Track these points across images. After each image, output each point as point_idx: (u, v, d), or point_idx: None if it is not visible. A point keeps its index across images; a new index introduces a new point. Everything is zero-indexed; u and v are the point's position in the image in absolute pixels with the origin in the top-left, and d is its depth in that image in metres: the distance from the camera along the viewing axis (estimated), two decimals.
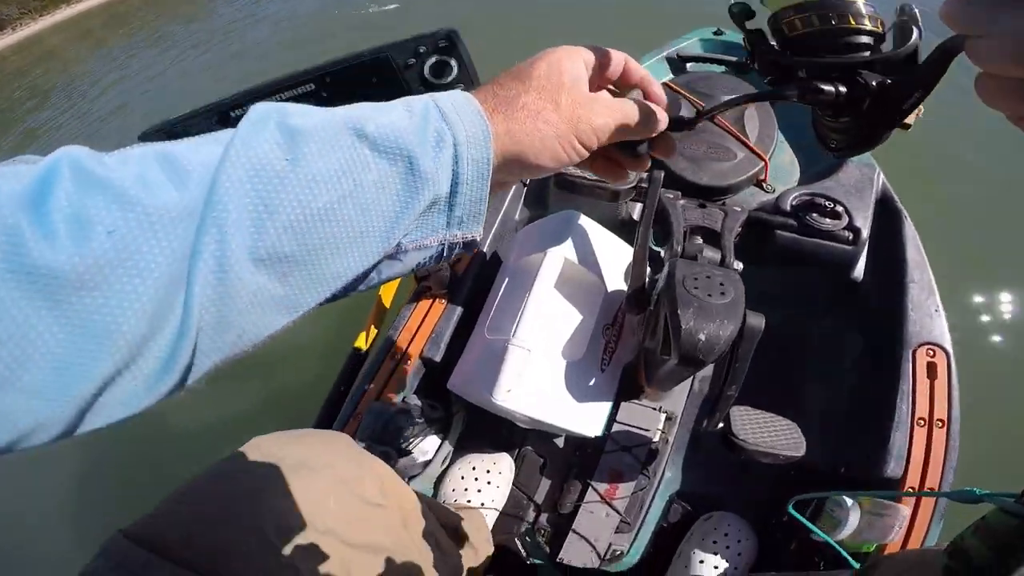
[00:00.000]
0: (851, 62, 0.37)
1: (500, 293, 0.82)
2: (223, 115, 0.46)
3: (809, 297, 0.97)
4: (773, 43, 0.40)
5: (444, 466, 0.92)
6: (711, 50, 1.30)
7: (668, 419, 0.86)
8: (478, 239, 0.30)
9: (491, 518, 0.88)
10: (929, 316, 0.81)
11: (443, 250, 0.29)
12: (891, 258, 0.88)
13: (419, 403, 0.86)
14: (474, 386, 0.76)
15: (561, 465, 0.92)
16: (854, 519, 0.68)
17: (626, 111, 0.34)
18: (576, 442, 0.92)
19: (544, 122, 0.30)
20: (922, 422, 0.74)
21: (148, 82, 4.57)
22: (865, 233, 0.79)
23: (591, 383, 0.76)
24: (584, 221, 0.81)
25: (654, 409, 0.85)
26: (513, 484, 0.92)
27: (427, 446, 0.87)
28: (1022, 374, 1.25)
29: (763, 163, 0.88)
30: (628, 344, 0.81)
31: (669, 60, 1.28)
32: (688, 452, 0.94)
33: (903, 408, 0.75)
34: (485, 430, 0.96)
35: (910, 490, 0.70)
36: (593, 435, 0.77)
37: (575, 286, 0.78)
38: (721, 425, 0.66)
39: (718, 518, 0.81)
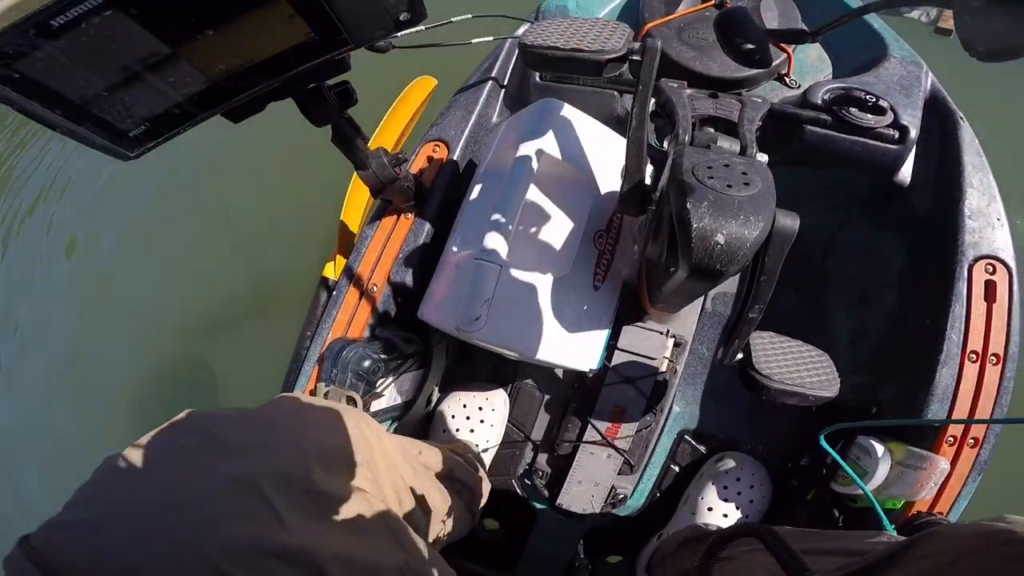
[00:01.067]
0: None
1: (470, 201, 0.69)
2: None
3: (844, 203, 0.82)
4: None
5: (430, 407, 0.84)
6: None
7: (677, 345, 0.74)
8: None
9: (487, 457, 0.81)
10: (991, 226, 0.67)
11: None
12: (945, 161, 0.72)
13: (391, 336, 0.75)
14: (443, 315, 0.65)
15: (559, 399, 0.83)
16: (883, 470, 0.59)
17: None
18: (575, 372, 0.83)
19: None
20: (974, 356, 0.63)
21: None
22: (914, 133, 0.63)
23: (583, 305, 0.65)
24: (568, 110, 0.66)
25: (660, 333, 0.72)
26: (509, 421, 0.85)
27: (405, 385, 0.78)
28: None
29: (786, 55, 0.72)
30: (627, 254, 0.69)
31: None
32: (699, 384, 0.84)
33: (953, 337, 0.63)
34: (473, 363, 0.87)
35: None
36: (588, 369, 0.67)
37: (557, 186, 0.64)
38: (740, 356, 0.55)
39: (730, 459, 0.73)
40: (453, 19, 0.65)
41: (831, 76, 0.81)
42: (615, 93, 0.78)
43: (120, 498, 0.33)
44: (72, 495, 0.34)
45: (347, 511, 0.39)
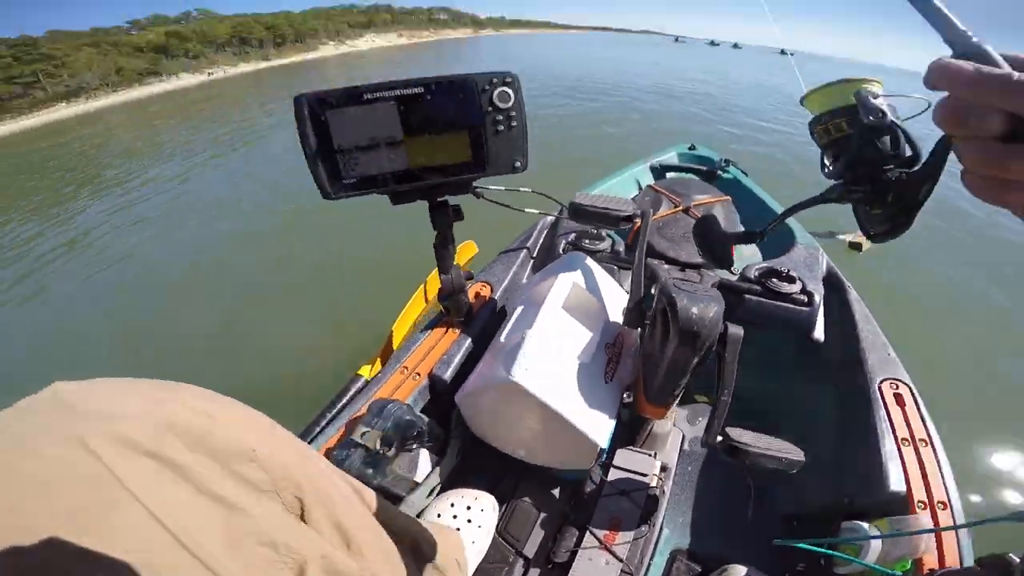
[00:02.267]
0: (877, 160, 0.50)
1: (515, 316, 0.90)
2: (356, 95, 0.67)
3: (781, 361, 1.07)
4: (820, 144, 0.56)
5: (429, 499, 0.86)
6: (686, 161, 1.71)
7: (663, 469, 0.87)
8: None
9: (472, 561, 0.79)
10: (884, 358, 0.92)
11: None
12: (843, 319, 1.01)
13: (423, 417, 0.85)
14: (489, 377, 0.79)
15: (555, 514, 0.89)
16: (876, 544, 0.67)
17: None
18: (571, 490, 0.91)
19: None
20: (906, 442, 0.78)
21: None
22: (818, 297, 0.92)
23: (597, 388, 0.80)
24: (589, 262, 0.95)
25: (649, 455, 0.86)
26: (502, 536, 0.87)
27: (421, 461, 0.83)
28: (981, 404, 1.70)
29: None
30: (627, 365, 0.87)
31: (652, 168, 1.64)
32: (687, 508, 0.93)
33: (884, 432, 0.80)
34: (476, 470, 0.93)
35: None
36: (598, 446, 0.77)
37: (581, 307, 0.88)
38: (720, 439, 0.70)
39: (732, 572, 0.76)
40: (521, 188, 0.98)
41: (761, 260, 1.08)
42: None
43: None
44: None
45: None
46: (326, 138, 0.68)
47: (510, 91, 0.73)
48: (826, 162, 0.56)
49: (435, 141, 0.72)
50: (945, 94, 0.25)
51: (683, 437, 1.00)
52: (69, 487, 0.33)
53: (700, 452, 1.02)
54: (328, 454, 0.76)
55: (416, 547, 0.63)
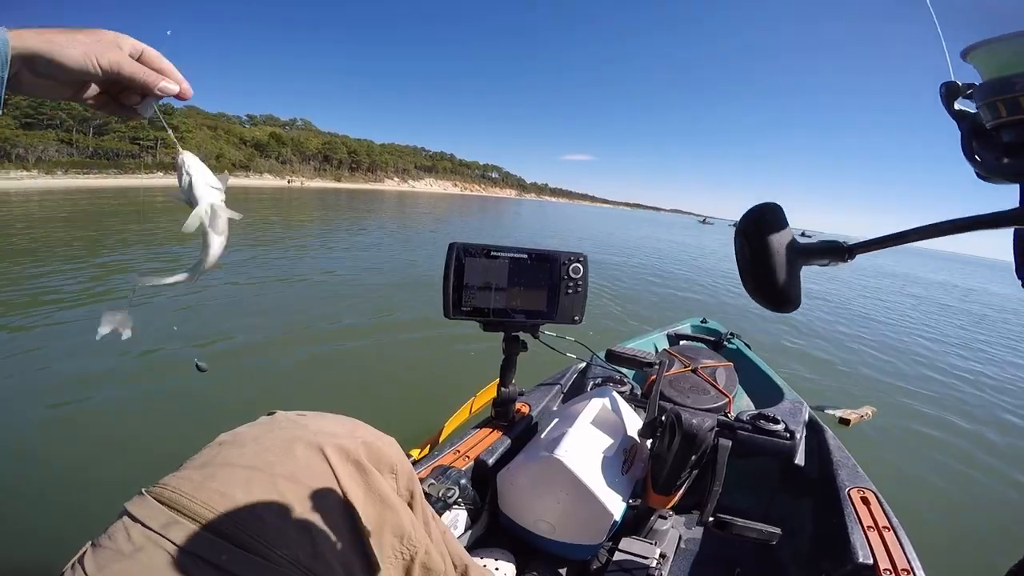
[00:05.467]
0: None
1: (552, 424, 1.17)
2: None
3: (768, 481, 1.30)
4: (987, 123, 0.33)
5: None
6: (697, 331, 2.09)
7: (662, 556, 1.06)
8: None
9: None
10: (853, 473, 1.14)
11: None
12: (820, 449, 1.26)
13: (469, 486, 1.09)
14: (533, 456, 1.04)
15: None
16: None
17: (144, 68, 0.43)
18: (578, 568, 1.10)
19: (77, 36, 0.39)
20: (872, 528, 0.96)
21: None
22: (799, 435, 1.16)
23: (617, 476, 1.04)
24: (615, 394, 1.25)
25: (650, 543, 1.06)
26: None
27: (460, 519, 1.04)
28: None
29: (727, 399, 1.36)
30: (639, 467, 1.12)
31: (668, 336, 1.99)
32: None
33: (853, 523, 0.98)
34: (497, 544, 1.12)
35: None
36: (612, 517, 0.98)
37: (608, 421, 1.17)
38: (712, 518, 0.93)
39: None
40: (568, 336, 1.32)
41: (754, 409, 1.35)
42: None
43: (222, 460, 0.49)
44: (186, 462, 0.50)
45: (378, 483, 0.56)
46: (460, 275, 1.05)
47: (581, 266, 1.12)
48: (977, 157, 0.35)
49: (525, 292, 1.09)
50: None
51: (680, 537, 1.19)
52: (308, 478, 0.50)
53: (696, 551, 1.19)
54: None
55: (466, 574, 0.75)
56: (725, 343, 2.04)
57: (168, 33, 0.86)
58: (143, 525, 0.42)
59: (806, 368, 4.40)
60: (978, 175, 0.35)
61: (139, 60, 0.43)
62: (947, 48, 0.35)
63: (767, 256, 0.39)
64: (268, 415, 0.58)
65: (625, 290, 7.35)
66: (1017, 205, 0.32)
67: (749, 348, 2.02)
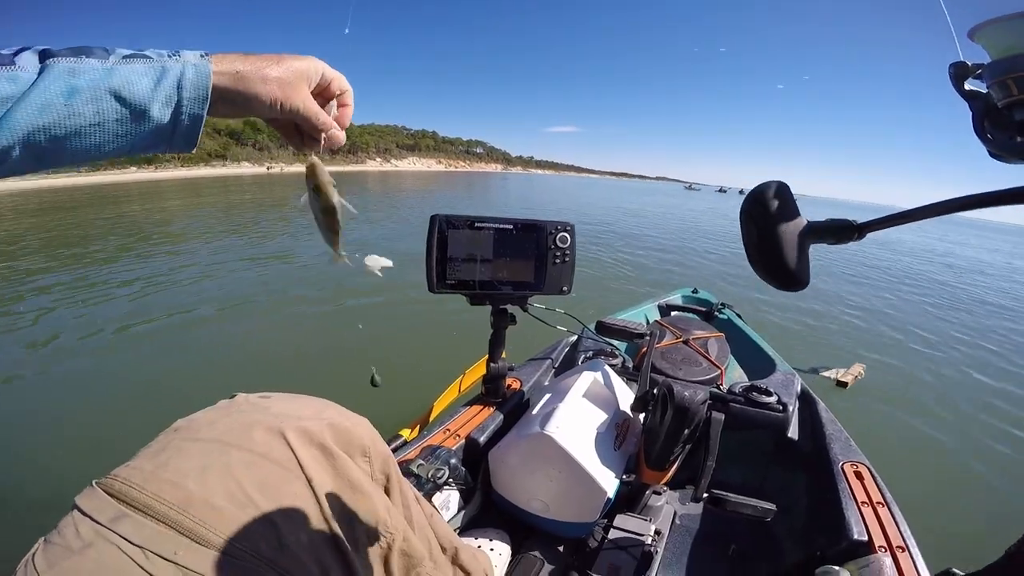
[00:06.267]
0: None
1: (543, 399, 1.14)
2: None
3: (762, 455, 1.29)
4: (999, 102, 0.34)
5: None
6: (688, 302, 2.08)
7: (657, 532, 1.04)
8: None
9: None
10: (846, 446, 1.13)
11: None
12: (813, 422, 1.24)
13: (460, 466, 1.06)
14: (524, 434, 1.02)
15: (559, 565, 1.05)
16: None
17: (319, 113, 0.44)
18: (574, 545, 1.08)
19: (269, 73, 0.40)
20: (865, 504, 0.95)
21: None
22: (791, 407, 1.15)
23: (609, 452, 1.02)
24: (607, 367, 1.22)
25: (645, 520, 1.05)
26: None
27: (452, 499, 1.02)
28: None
29: (719, 371, 1.34)
30: (631, 441, 1.10)
31: (659, 307, 1.97)
32: (679, 572, 1.08)
33: (847, 499, 0.97)
34: (492, 524, 1.10)
35: None
36: (606, 494, 0.96)
37: (599, 395, 1.14)
38: (706, 494, 0.92)
39: None
40: (557, 309, 1.28)
41: (746, 380, 1.32)
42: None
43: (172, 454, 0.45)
44: (140, 450, 0.47)
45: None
46: (443, 248, 1.00)
47: (568, 235, 1.07)
48: (990, 136, 0.36)
49: (512, 263, 1.04)
50: None
51: (675, 512, 1.18)
52: (268, 465, 0.47)
53: (691, 527, 1.18)
54: None
55: (456, 557, 0.75)
56: (716, 313, 2.03)
57: (347, 32, 0.85)
58: (92, 519, 0.41)
59: (796, 331, 4.45)
60: (991, 154, 0.35)
61: (324, 90, 0.45)
62: (954, 28, 0.35)
63: (775, 238, 0.38)
64: (229, 398, 0.55)
65: (615, 261, 7.32)
66: None
67: (740, 318, 2.01)
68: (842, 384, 3.18)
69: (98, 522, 0.40)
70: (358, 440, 0.56)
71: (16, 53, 0.33)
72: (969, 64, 0.36)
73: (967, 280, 9.78)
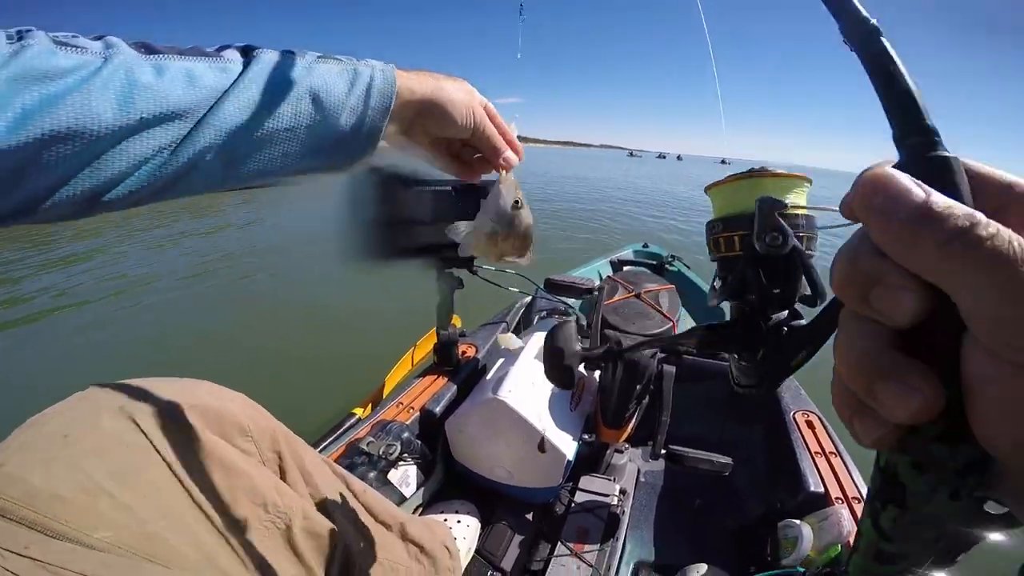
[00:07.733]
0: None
1: (497, 364, 1.12)
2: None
3: (717, 406, 1.31)
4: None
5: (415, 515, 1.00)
6: (640, 256, 2.11)
7: (622, 492, 1.06)
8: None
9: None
10: (796, 395, 1.16)
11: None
12: None
13: (416, 441, 1.02)
14: (478, 400, 0.99)
15: (529, 532, 1.04)
16: (807, 532, 0.81)
17: (498, 134, 0.45)
18: (542, 511, 1.07)
19: (448, 85, 0.40)
20: (819, 455, 0.98)
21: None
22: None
23: (565, 414, 1.01)
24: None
25: (609, 480, 1.05)
26: (480, 554, 1.00)
27: (410, 474, 0.98)
28: None
29: (671, 323, 1.35)
30: (587, 401, 1.10)
31: (611, 263, 1.98)
32: (647, 529, 1.09)
33: (801, 450, 0.99)
34: (457, 496, 1.08)
35: None
36: (565, 457, 0.95)
37: None
38: (664, 451, 0.92)
39: (698, 570, 0.87)
40: (508, 270, 1.23)
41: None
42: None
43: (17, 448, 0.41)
44: None
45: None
46: (400, 217, 0.92)
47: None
48: (715, 284, 0.41)
49: (442, 228, 0.98)
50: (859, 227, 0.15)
51: (639, 470, 1.19)
52: (119, 451, 0.43)
53: (656, 484, 1.20)
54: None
55: (404, 532, 0.71)
56: (667, 266, 2.05)
57: (521, 19, 0.84)
58: None
59: None
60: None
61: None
62: None
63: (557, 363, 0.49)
64: (90, 388, 0.50)
65: (566, 223, 7.38)
66: None
67: (690, 269, 2.04)
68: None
69: None
70: (231, 418, 0.53)
71: (220, 49, 0.33)
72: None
73: None
